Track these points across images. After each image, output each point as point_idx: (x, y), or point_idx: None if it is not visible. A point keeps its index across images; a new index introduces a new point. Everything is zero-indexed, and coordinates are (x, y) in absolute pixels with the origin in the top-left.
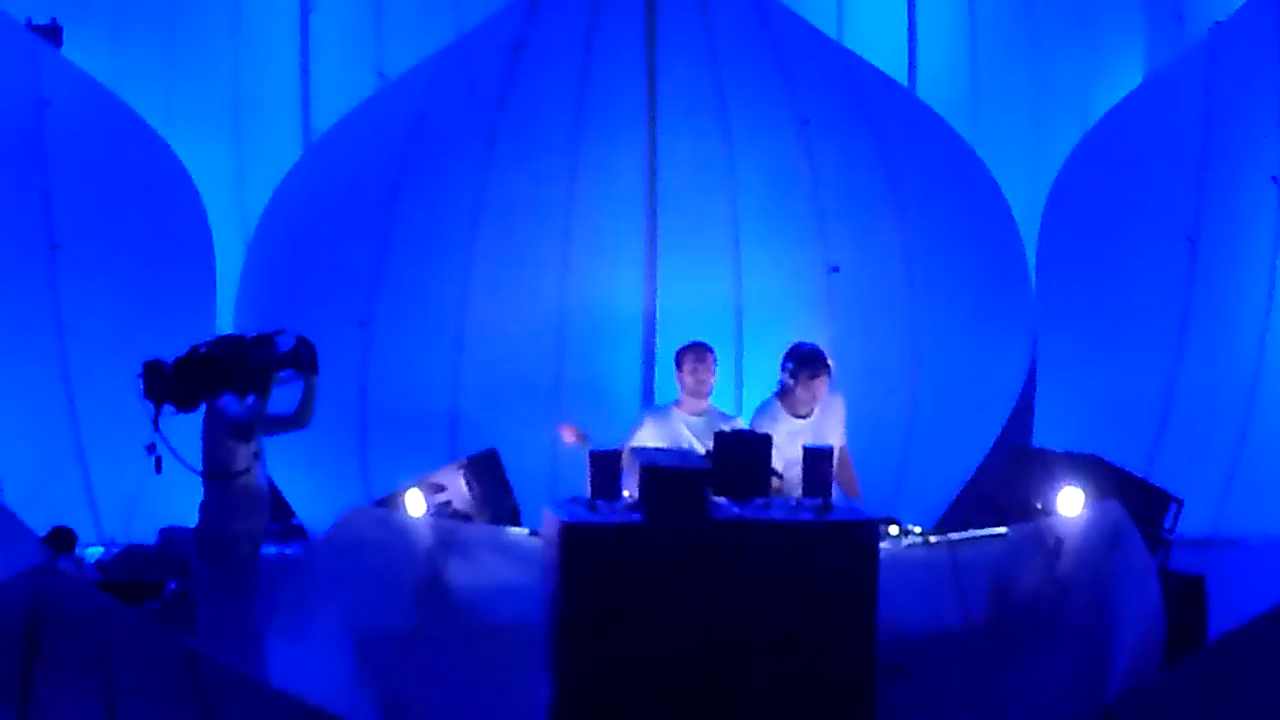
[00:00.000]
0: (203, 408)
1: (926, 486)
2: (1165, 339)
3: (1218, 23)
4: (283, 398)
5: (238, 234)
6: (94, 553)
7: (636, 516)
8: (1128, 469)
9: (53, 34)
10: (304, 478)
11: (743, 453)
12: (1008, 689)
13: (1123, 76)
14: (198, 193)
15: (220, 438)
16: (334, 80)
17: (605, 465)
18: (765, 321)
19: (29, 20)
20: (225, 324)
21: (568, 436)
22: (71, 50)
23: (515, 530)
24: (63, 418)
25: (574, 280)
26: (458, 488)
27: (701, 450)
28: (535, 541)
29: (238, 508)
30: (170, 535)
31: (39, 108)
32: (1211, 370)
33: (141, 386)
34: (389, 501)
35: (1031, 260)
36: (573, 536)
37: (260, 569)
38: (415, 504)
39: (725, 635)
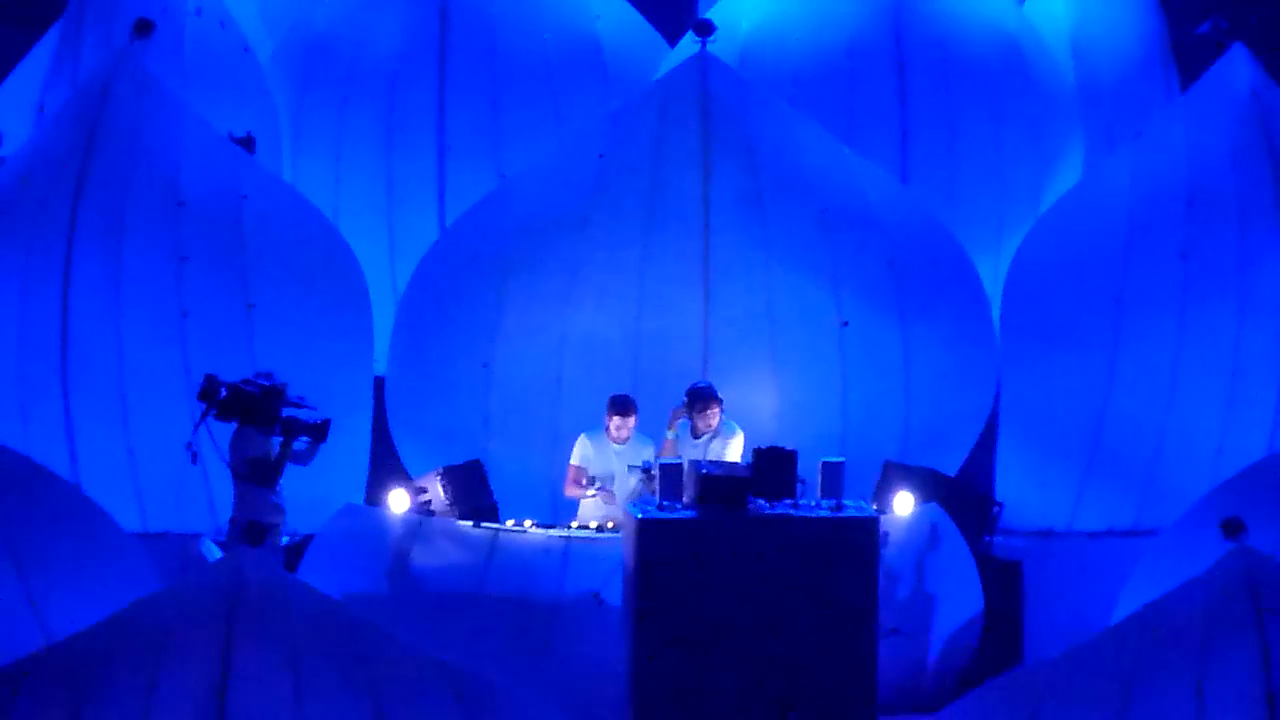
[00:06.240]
0: (234, 425)
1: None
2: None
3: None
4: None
5: (390, 298)
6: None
7: (693, 513)
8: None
9: (248, 144)
10: None
11: (775, 464)
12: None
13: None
14: (359, 266)
15: (241, 459)
16: (465, 178)
17: (672, 474)
18: (794, 366)
19: (230, 133)
20: (381, 367)
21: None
22: (262, 156)
23: (466, 523)
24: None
25: (646, 334)
26: (435, 490)
27: (620, 466)
28: (482, 532)
29: (260, 505)
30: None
31: (238, 201)
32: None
33: (199, 390)
34: (381, 500)
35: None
36: (646, 529)
37: (279, 555)
38: (398, 502)
39: (763, 602)
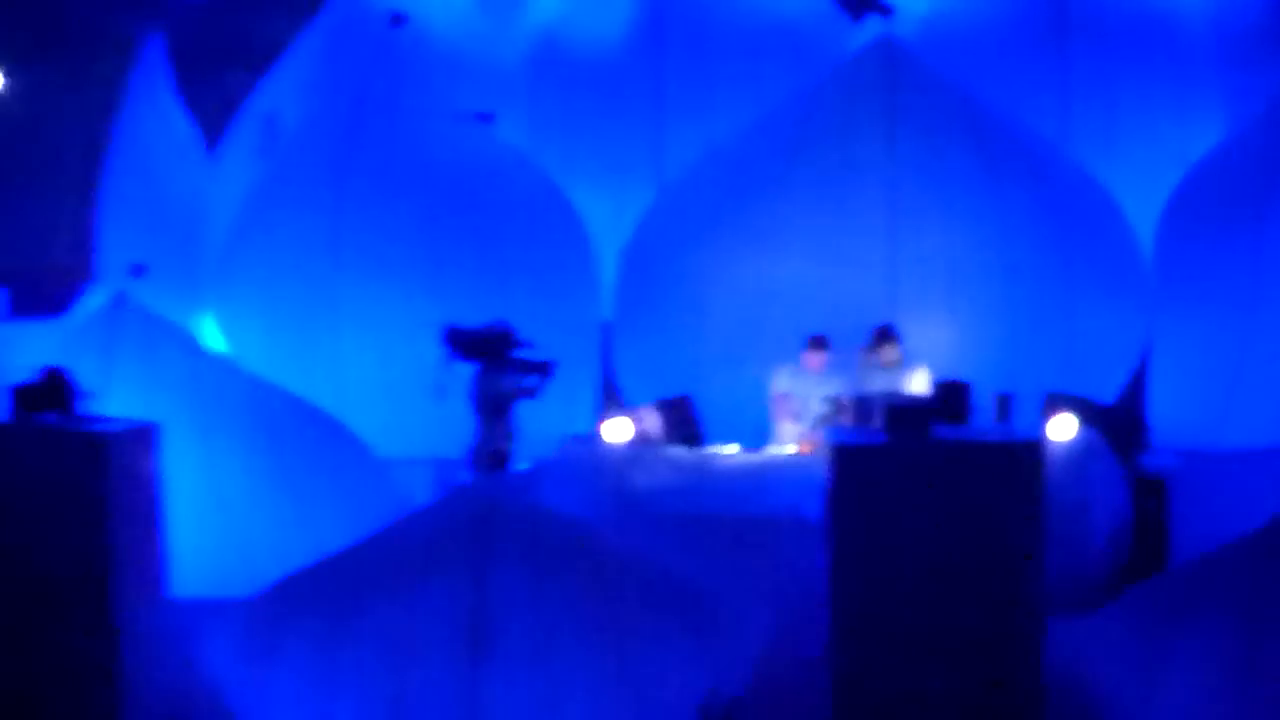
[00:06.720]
0: (477, 366)
1: None
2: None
3: None
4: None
5: (613, 254)
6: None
7: (882, 437)
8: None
9: (488, 118)
10: None
11: (953, 395)
12: None
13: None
14: (585, 227)
15: (480, 394)
16: (679, 145)
17: (865, 405)
18: (969, 308)
19: (477, 112)
20: (607, 311)
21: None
22: (501, 129)
23: (677, 448)
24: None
25: (838, 281)
26: (653, 419)
27: (814, 395)
28: (691, 455)
29: (497, 433)
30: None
31: (473, 169)
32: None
33: (445, 334)
34: (599, 427)
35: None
36: (842, 453)
37: (513, 479)
38: (616, 429)
39: (944, 515)
